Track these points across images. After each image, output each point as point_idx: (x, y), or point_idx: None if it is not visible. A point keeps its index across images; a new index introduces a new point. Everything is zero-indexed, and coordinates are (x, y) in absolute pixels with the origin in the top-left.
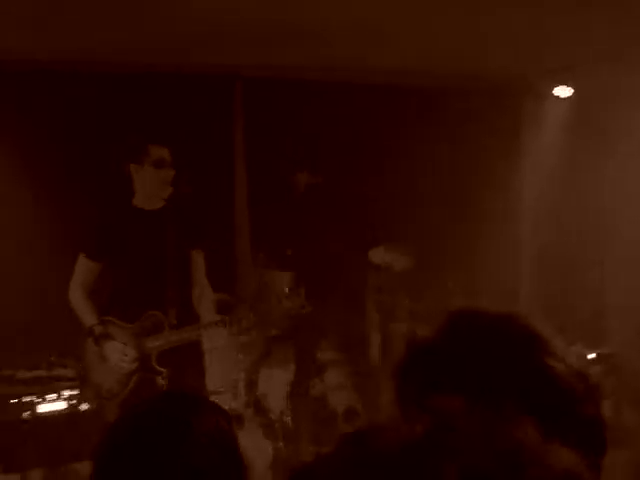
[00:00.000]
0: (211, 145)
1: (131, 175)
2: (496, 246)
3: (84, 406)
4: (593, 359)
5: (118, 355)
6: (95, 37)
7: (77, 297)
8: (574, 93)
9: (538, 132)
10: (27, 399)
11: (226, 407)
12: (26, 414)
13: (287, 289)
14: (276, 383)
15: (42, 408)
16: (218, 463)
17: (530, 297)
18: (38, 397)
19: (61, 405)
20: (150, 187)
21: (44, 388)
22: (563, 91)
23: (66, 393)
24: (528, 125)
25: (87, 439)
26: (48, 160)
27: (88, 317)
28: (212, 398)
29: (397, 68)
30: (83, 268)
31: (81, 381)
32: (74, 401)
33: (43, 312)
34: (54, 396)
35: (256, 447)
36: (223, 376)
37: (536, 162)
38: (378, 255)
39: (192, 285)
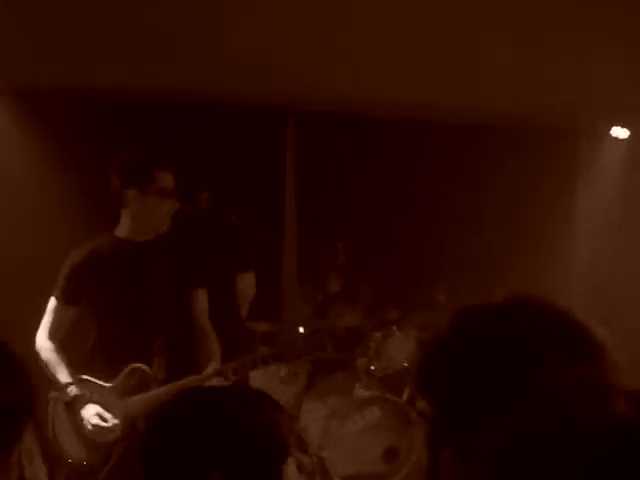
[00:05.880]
0: (263, 179)
1: (124, 202)
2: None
3: None
4: None
5: (95, 422)
6: (147, 68)
7: (47, 348)
8: (631, 135)
9: (595, 173)
10: None
11: None
12: None
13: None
14: (315, 417)
15: None
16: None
17: None
18: None
19: None
20: (150, 217)
21: None
22: (621, 132)
23: None
24: (584, 166)
25: None
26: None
27: (61, 374)
28: None
29: (453, 105)
30: (56, 313)
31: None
32: None
33: None
34: None
35: None
36: None
37: (592, 203)
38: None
39: (192, 330)
